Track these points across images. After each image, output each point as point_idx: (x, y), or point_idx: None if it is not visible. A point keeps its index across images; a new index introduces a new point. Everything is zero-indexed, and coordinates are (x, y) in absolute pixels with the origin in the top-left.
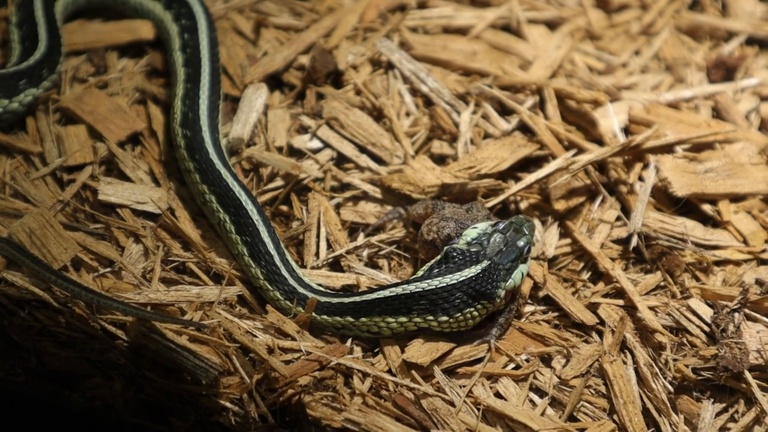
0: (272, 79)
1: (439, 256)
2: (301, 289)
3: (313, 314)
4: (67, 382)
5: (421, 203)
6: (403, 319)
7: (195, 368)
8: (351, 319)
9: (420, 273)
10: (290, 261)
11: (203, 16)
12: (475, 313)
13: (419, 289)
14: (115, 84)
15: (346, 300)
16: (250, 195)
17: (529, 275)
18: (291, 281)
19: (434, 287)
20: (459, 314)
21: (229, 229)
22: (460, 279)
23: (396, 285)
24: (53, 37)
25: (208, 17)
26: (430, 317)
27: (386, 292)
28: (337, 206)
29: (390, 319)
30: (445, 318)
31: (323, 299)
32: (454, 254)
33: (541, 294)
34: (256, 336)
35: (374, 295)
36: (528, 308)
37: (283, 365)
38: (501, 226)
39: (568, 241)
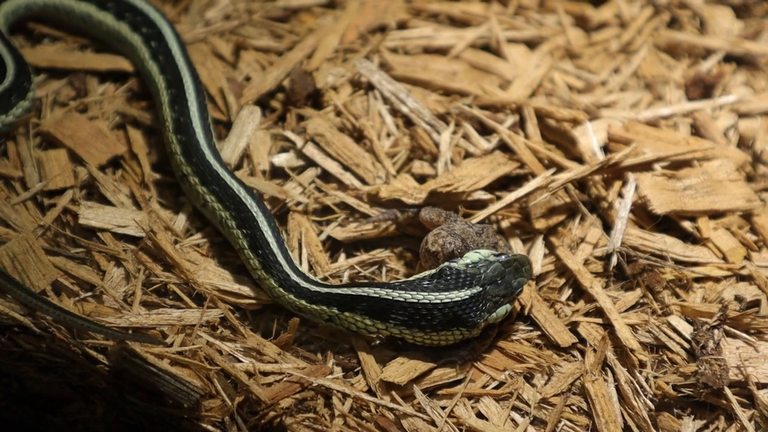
0: (256, 103)
1: (434, 270)
2: (294, 277)
3: (304, 302)
4: (49, 407)
5: (435, 209)
6: (381, 325)
7: (176, 391)
8: (336, 311)
9: (412, 278)
10: (288, 251)
11: (163, 21)
12: (451, 337)
13: (401, 299)
14: (95, 108)
15: (333, 291)
16: (248, 190)
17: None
18: (286, 268)
19: (416, 301)
20: (435, 333)
21: (231, 225)
22: (444, 300)
23: (381, 286)
24: (12, 50)
25: (168, 22)
26: (406, 330)
27: (370, 291)
28: (320, 224)
29: (368, 321)
30: (420, 334)
31: (313, 288)
32: (449, 272)
33: (525, 313)
34: (237, 358)
35: (360, 291)
36: (513, 326)
37: (263, 390)
38: (503, 258)
39: (552, 258)
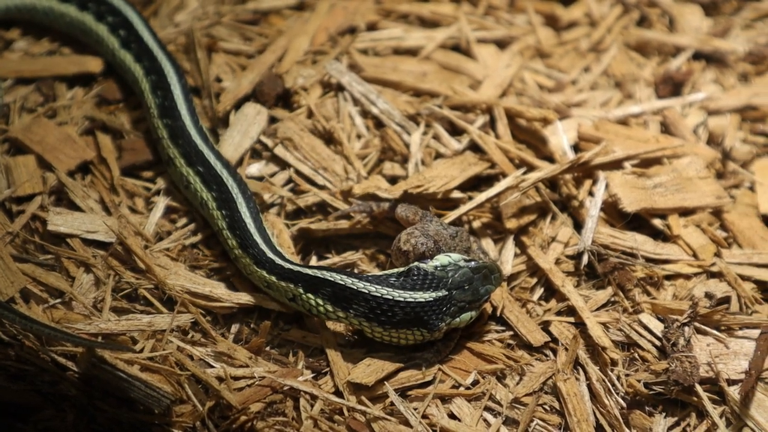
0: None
1: (403, 268)
2: (270, 254)
3: (273, 278)
4: (19, 415)
5: (411, 207)
6: (341, 313)
7: (147, 397)
8: (301, 290)
9: (380, 273)
10: (266, 230)
11: (129, 8)
12: (411, 337)
13: (365, 291)
14: (63, 113)
15: (302, 270)
16: (231, 172)
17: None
18: (262, 246)
19: (379, 295)
20: (394, 331)
21: (211, 206)
22: (407, 299)
23: (349, 274)
24: None
25: (134, 9)
26: (366, 323)
27: (337, 277)
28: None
29: (329, 307)
30: (379, 329)
31: (286, 265)
32: (416, 272)
33: (498, 314)
34: (208, 363)
35: (327, 275)
36: (484, 327)
37: (234, 395)
38: (473, 264)
39: (523, 258)
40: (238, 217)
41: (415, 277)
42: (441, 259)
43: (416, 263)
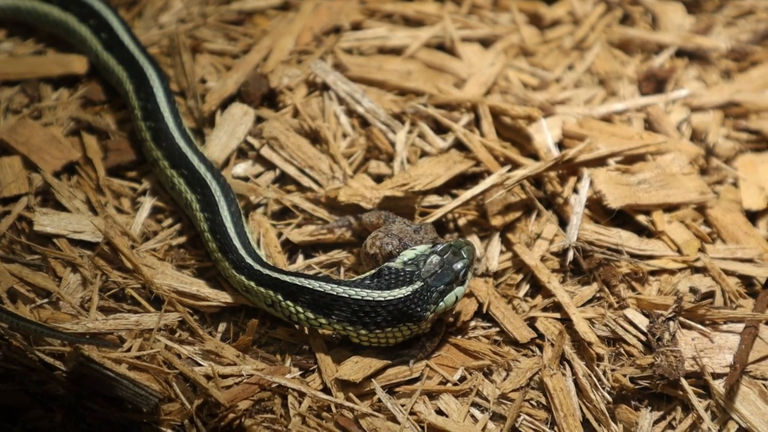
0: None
1: (373, 271)
2: (248, 259)
3: (252, 284)
4: (7, 416)
5: (375, 212)
6: (323, 320)
7: (135, 396)
8: (280, 297)
9: (353, 279)
10: (247, 234)
11: (108, 11)
12: (398, 334)
13: (345, 295)
14: (49, 114)
15: (281, 277)
16: (215, 174)
17: (472, 294)
18: (241, 251)
19: (359, 298)
20: (380, 331)
21: (195, 208)
22: (387, 298)
23: (326, 280)
24: None
25: (113, 11)
26: (350, 327)
27: (315, 284)
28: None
29: (310, 315)
30: (364, 332)
31: (264, 271)
32: (387, 272)
33: (484, 310)
34: (196, 362)
35: (306, 282)
36: (470, 323)
37: (222, 393)
38: (439, 247)
39: (509, 255)
40: (219, 221)
41: (387, 277)
42: (407, 254)
43: (385, 264)
